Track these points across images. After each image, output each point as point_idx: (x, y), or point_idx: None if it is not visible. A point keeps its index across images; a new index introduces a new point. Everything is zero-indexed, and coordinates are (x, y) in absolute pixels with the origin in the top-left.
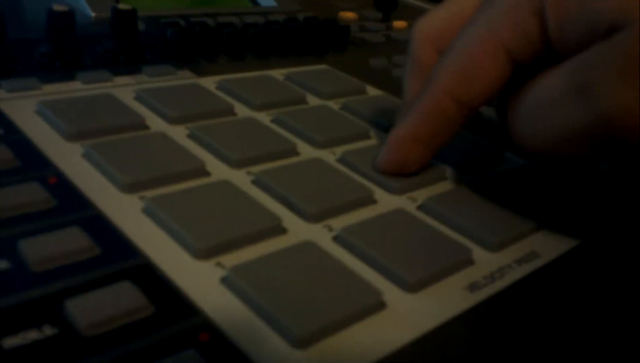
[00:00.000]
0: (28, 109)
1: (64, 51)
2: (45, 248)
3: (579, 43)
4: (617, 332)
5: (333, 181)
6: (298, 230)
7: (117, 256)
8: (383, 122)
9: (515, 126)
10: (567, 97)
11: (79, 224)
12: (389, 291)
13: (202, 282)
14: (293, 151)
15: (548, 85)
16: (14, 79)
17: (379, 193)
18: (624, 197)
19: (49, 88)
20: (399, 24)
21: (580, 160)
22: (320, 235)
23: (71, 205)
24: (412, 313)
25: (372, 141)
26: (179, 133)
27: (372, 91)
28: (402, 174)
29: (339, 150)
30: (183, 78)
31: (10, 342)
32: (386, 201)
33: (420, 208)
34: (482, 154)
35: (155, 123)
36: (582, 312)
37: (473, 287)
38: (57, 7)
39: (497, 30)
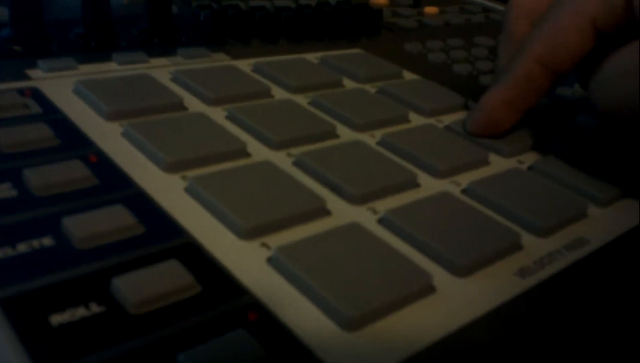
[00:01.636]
0: (65, 88)
1: (99, 32)
2: (90, 226)
3: None
4: None
5: (375, 163)
6: (342, 211)
7: (162, 235)
8: (422, 106)
9: (595, 90)
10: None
11: (122, 203)
12: (438, 275)
13: (248, 262)
14: (332, 134)
15: (628, 56)
16: (51, 59)
17: (422, 177)
18: None
19: (85, 68)
20: (430, 9)
21: None
22: (364, 217)
23: (113, 183)
24: (462, 298)
25: (412, 125)
26: (217, 114)
27: (409, 75)
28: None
29: (379, 133)
30: (218, 60)
31: (58, 318)
32: (430, 185)
33: (464, 191)
34: (523, 140)
35: (193, 104)
36: (631, 299)
37: (524, 272)
38: None
39: (585, 3)
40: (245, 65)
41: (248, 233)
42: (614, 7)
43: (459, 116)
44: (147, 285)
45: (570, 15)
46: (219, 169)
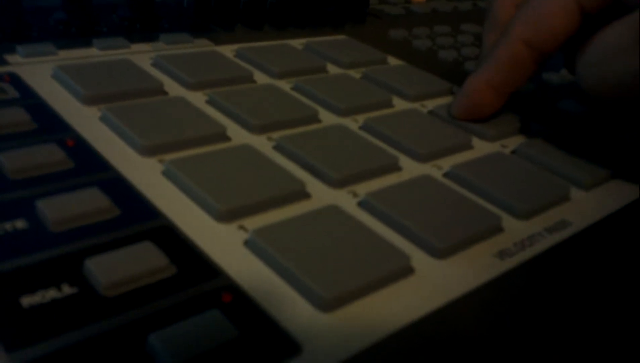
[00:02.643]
0: (44, 73)
1: (79, 18)
2: (64, 208)
3: None
4: None
5: (357, 147)
6: (322, 195)
7: (137, 218)
8: (405, 91)
9: (583, 72)
10: (631, 46)
11: (97, 186)
12: (417, 256)
13: (224, 244)
14: (315, 118)
15: (614, 35)
16: (29, 45)
17: (404, 160)
18: None
19: (64, 54)
20: None
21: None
22: (344, 200)
23: (89, 167)
24: (440, 280)
25: (395, 109)
26: (197, 99)
27: (393, 61)
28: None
29: (362, 118)
30: (200, 46)
31: (29, 300)
32: (411, 168)
33: (446, 175)
34: (507, 124)
35: (174, 89)
36: (611, 281)
37: (503, 254)
38: None
39: None
40: (228, 50)
41: (225, 216)
42: None
43: (443, 101)
44: (119, 267)
45: None
46: (198, 152)
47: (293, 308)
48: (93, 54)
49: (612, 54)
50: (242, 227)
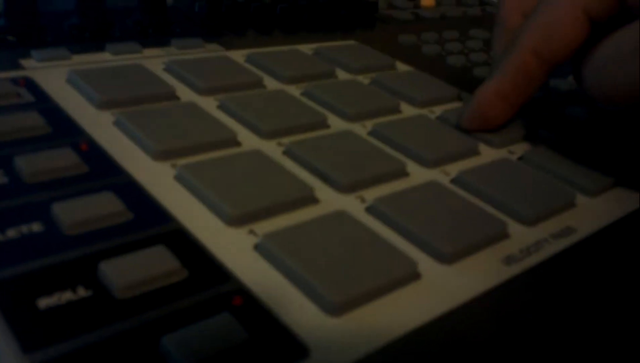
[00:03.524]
0: (59, 78)
1: (93, 23)
2: (79, 212)
3: None
4: None
5: (365, 153)
6: (330, 200)
7: (150, 221)
8: (413, 97)
9: (589, 78)
10: (634, 54)
11: (111, 190)
12: (424, 262)
13: (235, 248)
14: (324, 124)
15: (619, 42)
16: (44, 49)
17: (411, 166)
18: None
19: (78, 58)
20: (426, 2)
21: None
22: (352, 205)
23: (103, 171)
24: (447, 285)
25: (403, 115)
26: (209, 104)
27: (402, 67)
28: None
29: (370, 123)
30: (211, 51)
31: (45, 302)
32: (419, 174)
33: (453, 181)
34: (514, 131)
35: (185, 94)
36: (616, 287)
37: (509, 260)
38: None
39: None
40: (238, 56)
41: (235, 220)
42: None
43: (451, 107)
44: (133, 270)
45: (564, 6)
46: (209, 157)
47: (302, 312)
48: (106, 58)
49: (616, 61)
50: (252, 231)
